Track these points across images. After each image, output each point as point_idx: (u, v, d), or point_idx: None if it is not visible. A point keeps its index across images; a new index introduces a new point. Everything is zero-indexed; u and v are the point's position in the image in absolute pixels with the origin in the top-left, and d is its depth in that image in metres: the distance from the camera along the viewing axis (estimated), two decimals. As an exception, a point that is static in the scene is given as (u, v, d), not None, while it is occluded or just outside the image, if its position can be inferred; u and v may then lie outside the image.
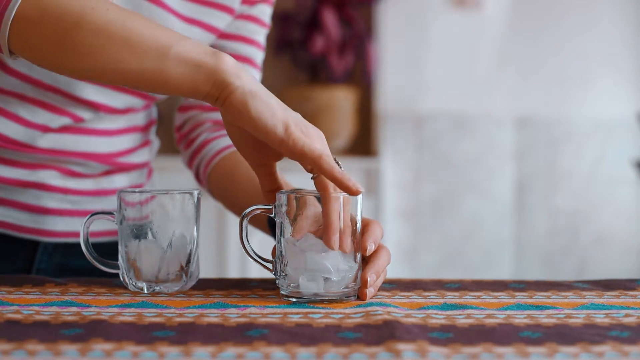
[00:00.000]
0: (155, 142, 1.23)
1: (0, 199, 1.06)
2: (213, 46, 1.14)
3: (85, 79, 0.89)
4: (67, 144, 1.07)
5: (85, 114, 1.06)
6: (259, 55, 1.16)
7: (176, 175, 2.01)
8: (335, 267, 0.81)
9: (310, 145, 0.81)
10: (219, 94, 0.82)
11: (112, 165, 1.12)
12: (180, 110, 1.19)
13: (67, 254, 1.11)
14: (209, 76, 0.82)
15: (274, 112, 0.81)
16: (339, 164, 0.85)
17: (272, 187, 0.88)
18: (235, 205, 1.10)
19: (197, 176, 1.16)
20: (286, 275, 0.83)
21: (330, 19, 3.04)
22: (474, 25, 3.25)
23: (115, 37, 0.83)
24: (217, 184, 1.12)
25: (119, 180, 1.14)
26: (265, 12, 1.16)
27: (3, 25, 0.84)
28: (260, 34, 1.16)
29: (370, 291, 0.84)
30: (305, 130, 0.83)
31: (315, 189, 0.84)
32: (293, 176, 1.03)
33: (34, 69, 1.02)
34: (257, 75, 1.17)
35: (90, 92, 1.04)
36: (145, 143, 1.18)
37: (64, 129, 1.06)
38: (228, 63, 0.82)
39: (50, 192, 1.07)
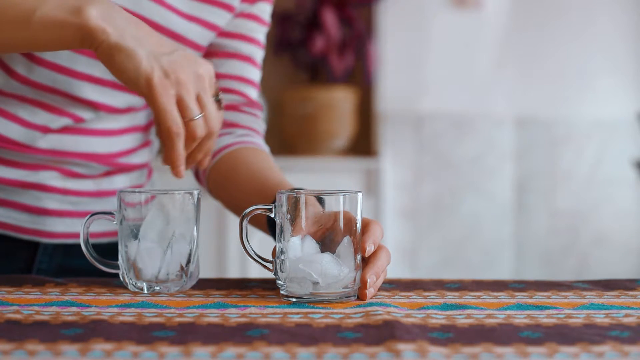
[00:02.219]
0: (156, 142, 1.23)
1: (0, 200, 1.06)
2: (213, 44, 1.13)
3: None
4: (68, 144, 1.07)
5: (85, 114, 1.06)
6: (259, 54, 1.16)
7: (176, 175, 2.01)
8: (321, 272, 0.81)
9: (168, 112, 0.82)
10: (90, 47, 0.84)
11: (112, 166, 1.12)
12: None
13: (68, 255, 1.11)
14: (75, 35, 0.84)
15: (138, 65, 0.82)
16: (220, 102, 0.87)
17: None
18: (234, 204, 1.10)
19: (197, 175, 1.16)
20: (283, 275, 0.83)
21: (330, 19, 3.03)
22: (474, 25, 3.25)
23: None
24: (216, 183, 1.12)
25: (119, 181, 1.14)
26: (265, 10, 1.16)
27: None
28: (260, 32, 1.16)
29: (370, 292, 0.84)
30: (176, 77, 0.83)
31: (318, 189, 0.84)
32: (294, 176, 1.03)
33: (32, 72, 1.02)
34: (256, 74, 1.16)
35: (90, 92, 1.04)
36: (145, 143, 1.18)
37: (64, 130, 1.06)
38: (91, 17, 0.83)
39: (50, 193, 1.07)
